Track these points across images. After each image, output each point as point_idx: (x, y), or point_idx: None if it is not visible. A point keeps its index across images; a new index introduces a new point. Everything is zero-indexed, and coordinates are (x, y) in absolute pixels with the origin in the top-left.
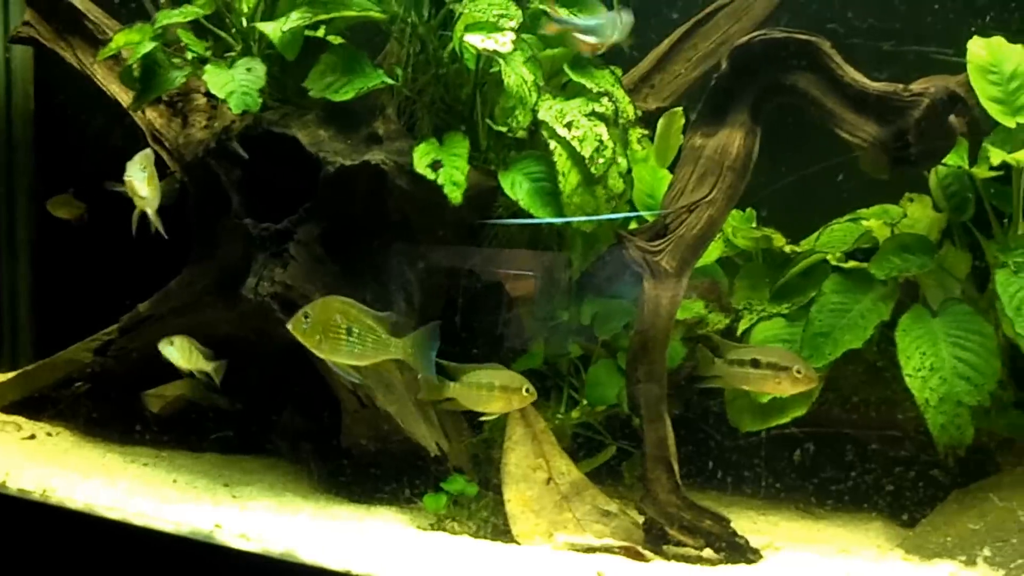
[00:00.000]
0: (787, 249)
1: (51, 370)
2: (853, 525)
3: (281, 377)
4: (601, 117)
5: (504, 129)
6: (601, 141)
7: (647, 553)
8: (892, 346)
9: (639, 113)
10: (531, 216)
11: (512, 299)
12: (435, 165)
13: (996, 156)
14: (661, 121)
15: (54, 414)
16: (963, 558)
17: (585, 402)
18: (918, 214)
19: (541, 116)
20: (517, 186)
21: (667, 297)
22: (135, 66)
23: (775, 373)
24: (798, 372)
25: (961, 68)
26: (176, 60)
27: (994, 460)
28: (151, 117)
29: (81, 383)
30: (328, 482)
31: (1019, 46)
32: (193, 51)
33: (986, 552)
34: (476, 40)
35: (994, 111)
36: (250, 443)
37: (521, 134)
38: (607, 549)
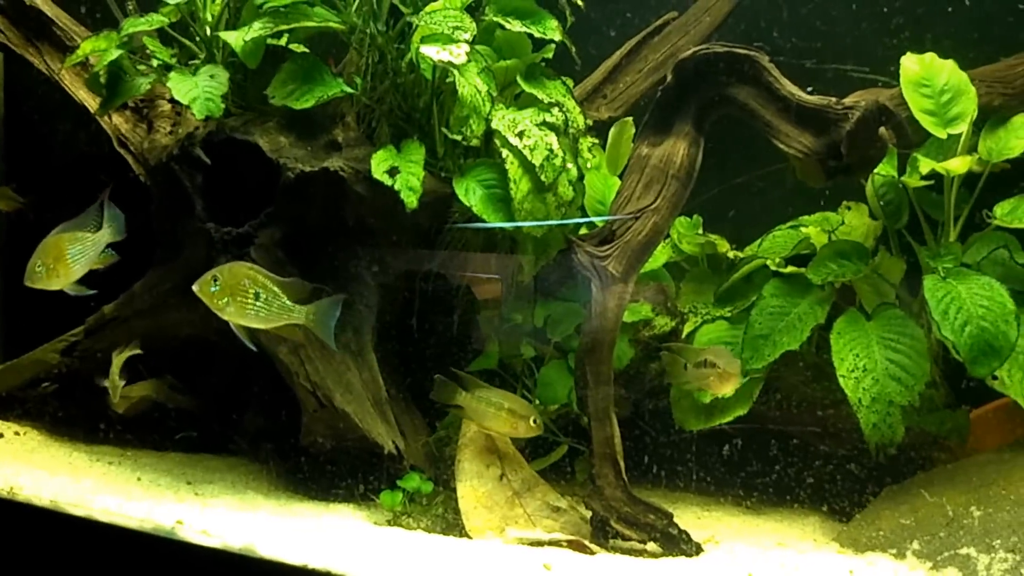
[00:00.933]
0: (731, 254)
1: (18, 371)
2: (792, 520)
3: (242, 378)
4: (551, 127)
5: (459, 138)
6: (551, 150)
7: (593, 546)
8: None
9: (590, 123)
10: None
11: (467, 301)
12: (392, 171)
13: (925, 165)
14: (612, 130)
15: (21, 413)
16: (894, 551)
17: (537, 402)
18: (855, 222)
19: (494, 125)
20: (471, 192)
21: (614, 301)
22: (101, 73)
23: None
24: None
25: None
26: (142, 67)
27: (928, 457)
28: (117, 123)
29: (48, 383)
30: (288, 480)
31: (950, 61)
32: (158, 58)
33: (915, 545)
34: (432, 52)
35: (926, 123)
36: (213, 442)
37: (475, 142)
38: (555, 543)
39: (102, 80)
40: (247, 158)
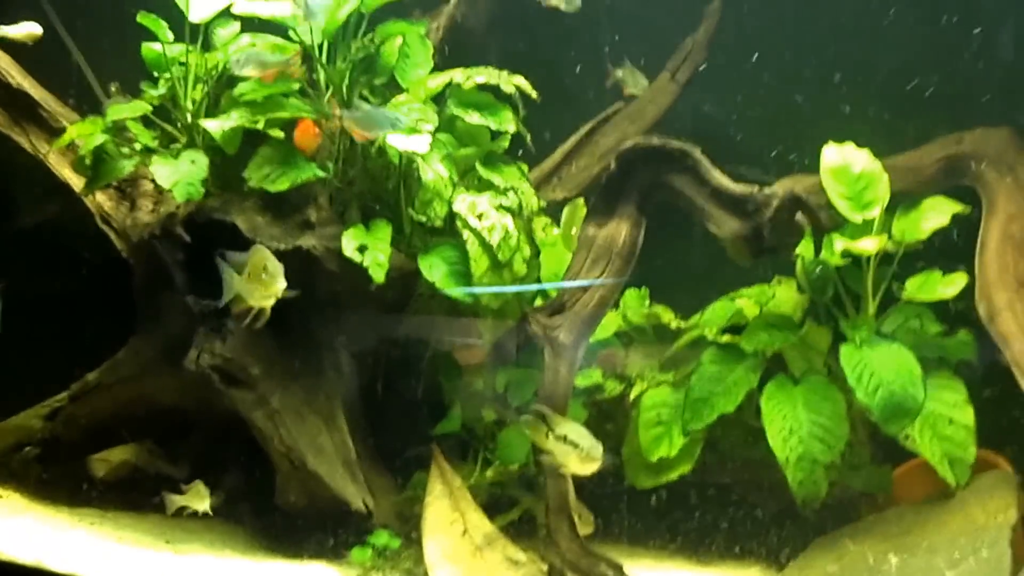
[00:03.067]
0: (674, 324)
1: (2, 436)
2: (735, 569)
3: (219, 442)
4: (508, 209)
5: (424, 219)
6: (507, 231)
7: None
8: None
9: (543, 204)
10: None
11: (430, 366)
12: (361, 249)
13: (841, 244)
14: (565, 211)
15: (6, 476)
16: None
17: (498, 462)
18: (785, 295)
19: (456, 208)
20: (435, 268)
21: (565, 367)
22: (87, 155)
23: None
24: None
25: None
26: (125, 149)
27: (857, 510)
28: (100, 200)
29: (31, 448)
30: (263, 538)
31: (865, 150)
32: (141, 142)
33: None
34: (398, 141)
35: (843, 208)
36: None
37: (439, 223)
38: None
39: (87, 162)
40: (226, 236)
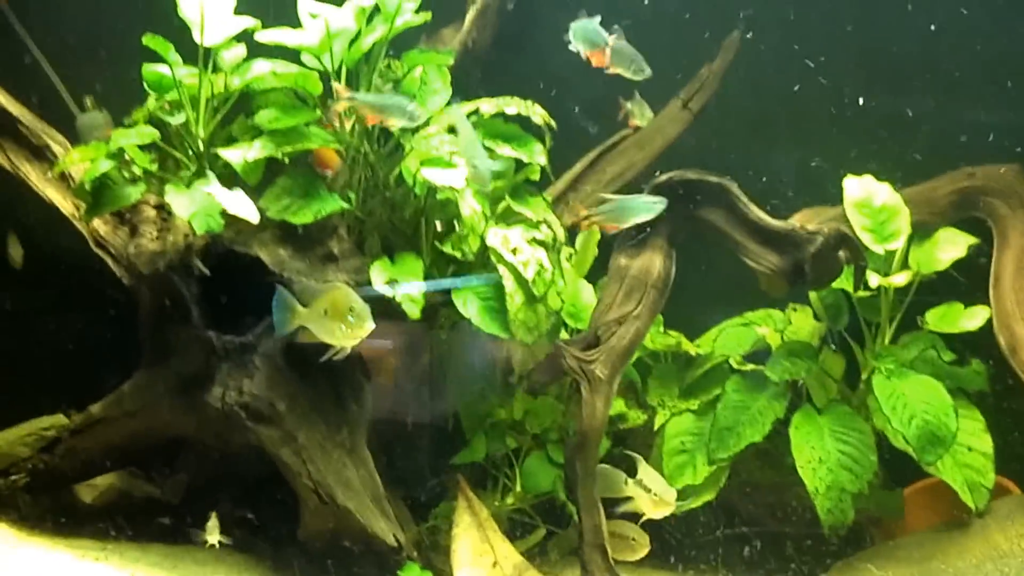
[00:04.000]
0: (692, 351)
1: None
2: None
3: (232, 474)
4: (541, 243)
5: (459, 255)
6: (542, 265)
7: None
8: (779, 436)
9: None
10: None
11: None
12: (392, 283)
13: (877, 279)
14: (580, 237)
15: None
16: None
17: (519, 489)
18: (801, 322)
19: (490, 242)
20: (468, 304)
21: (601, 401)
22: (87, 182)
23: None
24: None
25: None
26: (125, 173)
27: (868, 534)
28: (95, 225)
29: (19, 476)
30: (280, 570)
31: (886, 184)
32: (139, 165)
33: None
34: (434, 175)
35: (866, 239)
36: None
37: (471, 258)
38: None
39: (87, 188)
40: (241, 266)
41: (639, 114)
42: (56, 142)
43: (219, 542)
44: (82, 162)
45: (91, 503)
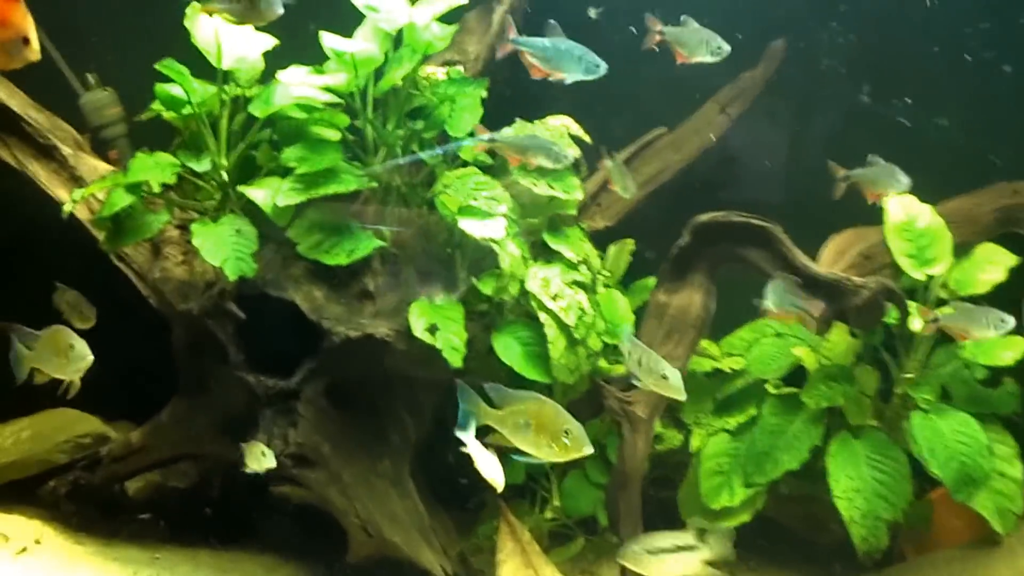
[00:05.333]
0: (726, 366)
1: (22, 467)
2: None
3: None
4: (581, 285)
5: (503, 299)
6: (583, 309)
7: None
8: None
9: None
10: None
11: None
12: (432, 329)
13: (919, 324)
14: (612, 248)
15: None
16: None
17: (557, 503)
18: (837, 339)
19: (529, 287)
20: (510, 350)
21: (642, 440)
22: (108, 213)
23: None
24: None
25: None
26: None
27: (899, 548)
28: None
29: (59, 483)
30: None
31: (927, 206)
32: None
33: None
34: (473, 228)
35: (905, 265)
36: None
37: (510, 300)
38: None
39: (107, 215)
40: (275, 307)
41: (619, 181)
42: (66, 141)
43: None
44: (101, 190)
45: (132, 496)
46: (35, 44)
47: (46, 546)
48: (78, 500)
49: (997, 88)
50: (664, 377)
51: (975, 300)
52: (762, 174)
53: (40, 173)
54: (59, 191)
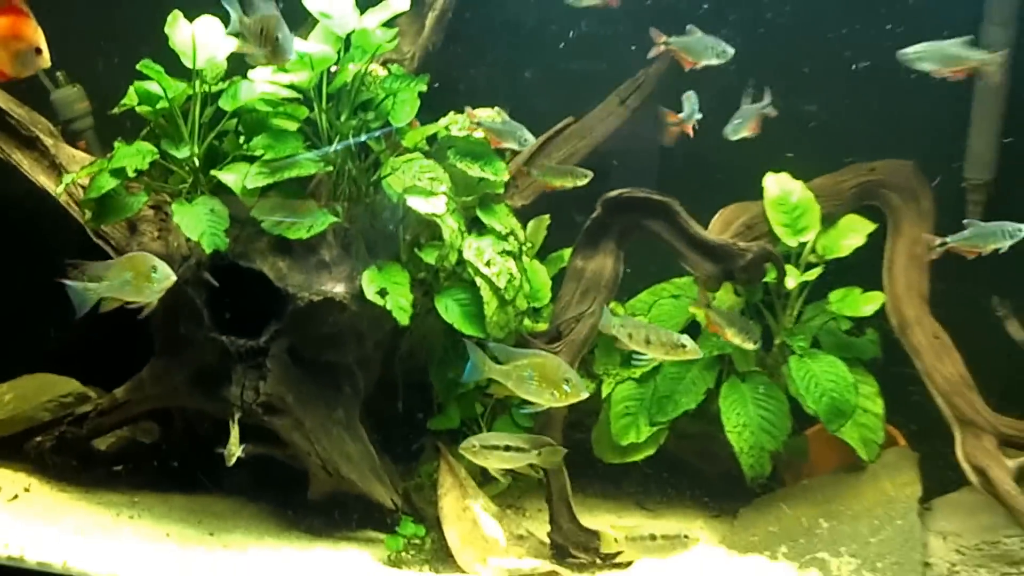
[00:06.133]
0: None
1: (8, 426)
2: (683, 520)
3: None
4: (510, 254)
5: (438, 266)
6: (512, 274)
7: (561, 570)
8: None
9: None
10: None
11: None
12: (382, 292)
13: (793, 281)
14: (531, 224)
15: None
16: (768, 553)
17: None
18: (724, 297)
19: (466, 256)
20: (449, 309)
21: None
22: (93, 195)
23: None
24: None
25: None
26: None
27: (780, 475)
28: None
29: (45, 438)
30: (294, 521)
31: (799, 182)
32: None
33: (784, 549)
34: (418, 204)
35: (782, 234)
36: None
37: (449, 267)
38: (533, 571)
39: (92, 197)
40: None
41: (559, 179)
42: (45, 132)
43: (240, 456)
44: (87, 175)
45: (105, 450)
46: (46, 53)
47: (34, 494)
48: (62, 453)
49: (856, 82)
50: (682, 345)
51: (839, 262)
52: (657, 157)
53: (23, 161)
54: (41, 177)
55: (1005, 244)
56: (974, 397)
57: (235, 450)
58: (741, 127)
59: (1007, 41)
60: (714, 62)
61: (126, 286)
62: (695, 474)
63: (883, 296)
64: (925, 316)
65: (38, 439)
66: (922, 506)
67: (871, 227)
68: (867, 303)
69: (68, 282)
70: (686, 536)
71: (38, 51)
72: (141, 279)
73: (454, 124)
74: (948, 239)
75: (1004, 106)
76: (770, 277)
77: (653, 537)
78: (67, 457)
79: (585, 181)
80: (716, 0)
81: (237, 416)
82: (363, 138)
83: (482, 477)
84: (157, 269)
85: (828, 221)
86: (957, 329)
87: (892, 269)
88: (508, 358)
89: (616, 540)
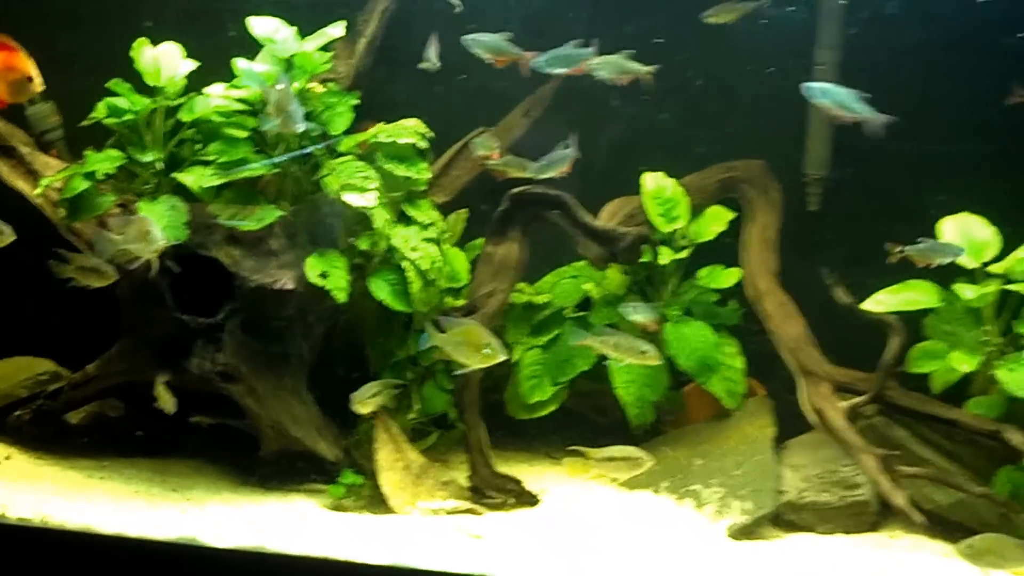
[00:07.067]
0: (537, 300)
1: None
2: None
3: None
4: (432, 241)
5: (370, 252)
6: (433, 258)
7: (479, 508)
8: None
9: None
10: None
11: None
12: (324, 275)
13: (665, 256)
14: (451, 217)
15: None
16: (652, 488)
17: (418, 406)
18: (613, 276)
19: (394, 243)
20: (380, 289)
21: None
22: (68, 195)
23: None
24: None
25: None
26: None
27: (663, 425)
28: None
29: (24, 412)
30: (247, 477)
31: (672, 180)
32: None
33: (665, 484)
34: (353, 199)
35: (658, 223)
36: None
37: (379, 253)
38: (454, 510)
39: (67, 196)
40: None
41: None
42: (22, 142)
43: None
44: (62, 179)
45: (77, 424)
46: (38, 79)
47: (15, 461)
48: (39, 425)
49: (718, 95)
50: (644, 351)
51: (707, 246)
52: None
53: (2, 168)
54: (18, 183)
55: (947, 260)
56: (814, 352)
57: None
58: (548, 168)
59: (836, 62)
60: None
61: (136, 241)
62: (592, 425)
63: (740, 272)
64: (774, 287)
65: (17, 413)
66: (778, 445)
67: (731, 215)
68: (728, 278)
69: (97, 230)
70: (639, 458)
71: (29, 79)
72: (144, 236)
73: (382, 132)
74: (906, 248)
75: None
76: (646, 257)
77: (612, 459)
78: (44, 428)
79: (529, 172)
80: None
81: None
82: (308, 150)
83: (412, 434)
84: (151, 232)
85: (696, 211)
86: (801, 297)
87: (748, 249)
88: (449, 328)
89: (585, 462)
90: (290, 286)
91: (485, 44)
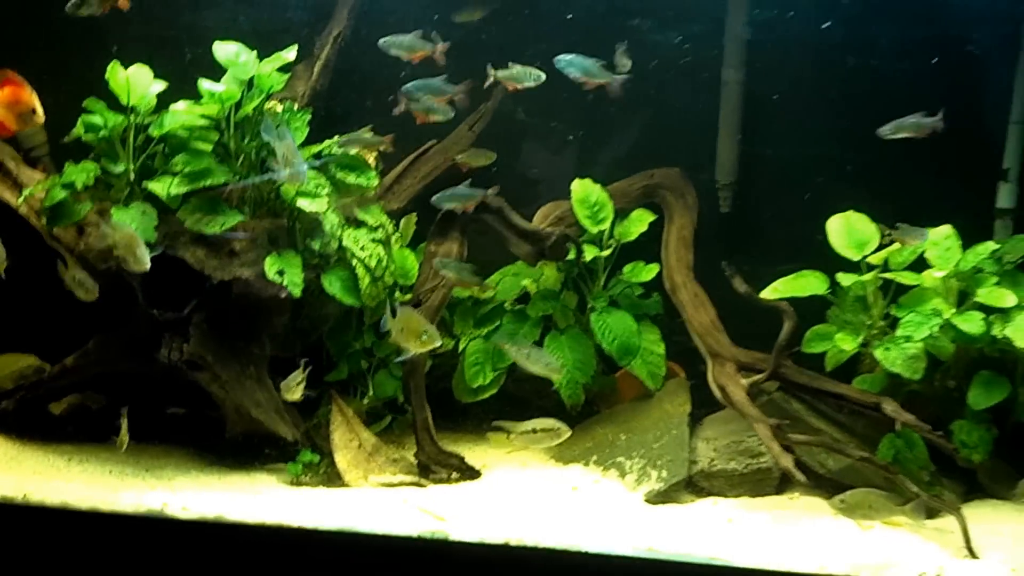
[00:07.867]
0: (482, 295)
1: None
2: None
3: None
4: (380, 242)
5: (324, 252)
6: (380, 257)
7: (425, 481)
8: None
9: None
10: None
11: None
12: (280, 272)
13: (590, 253)
14: (403, 221)
15: None
16: (583, 462)
17: (372, 394)
18: (549, 273)
19: (345, 243)
20: (333, 284)
21: None
22: (48, 204)
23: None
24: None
25: None
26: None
27: (596, 406)
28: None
29: (8, 403)
30: (213, 458)
31: (597, 185)
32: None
33: (594, 458)
34: (306, 204)
35: (586, 224)
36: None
37: (331, 252)
38: (402, 483)
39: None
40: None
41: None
42: (9, 156)
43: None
44: (43, 190)
45: (58, 415)
46: (39, 110)
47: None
48: (22, 415)
49: (643, 109)
50: (549, 364)
51: (630, 245)
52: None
53: None
54: (5, 194)
55: (917, 242)
56: (721, 336)
57: (125, 439)
58: (450, 199)
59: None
60: (531, 85)
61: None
62: (535, 408)
63: (659, 267)
64: (689, 280)
65: (2, 404)
66: (693, 420)
67: (652, 217)
68: (649, 272)
69: (115, 220)
70: (558, 428)
71: (33, 111)
72: (135, 243)
73: (334, 145)
74: (891, 233)
75: (740, 123)
76: (571, 255)
77: (534, 431)
78: (27, 418)
79: (490, 161)
80: (522, 41)
81: (125, 411)
82: (303, 167)
83: (368, 417)
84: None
85: (621, 214)
86: (712, 288)
87: (667, 247)
88: (397, 315)
89: (508, 435)
90: (248, 276)
91: (402, 44)
